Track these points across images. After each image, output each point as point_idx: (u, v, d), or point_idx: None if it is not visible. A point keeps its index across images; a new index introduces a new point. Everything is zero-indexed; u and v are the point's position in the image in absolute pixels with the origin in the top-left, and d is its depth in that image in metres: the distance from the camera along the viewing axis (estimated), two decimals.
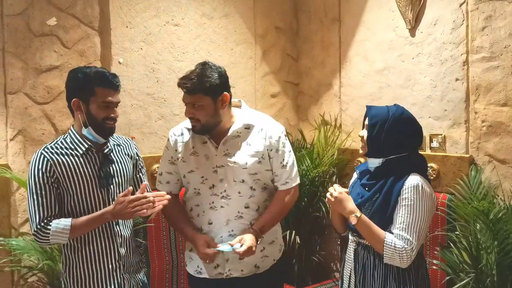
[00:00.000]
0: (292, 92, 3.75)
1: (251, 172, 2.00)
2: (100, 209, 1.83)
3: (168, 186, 2.12)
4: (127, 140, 2.04)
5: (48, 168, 1.77)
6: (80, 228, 1.78)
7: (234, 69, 3.37)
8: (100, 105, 1.78)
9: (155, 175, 2.99)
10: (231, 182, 1.99)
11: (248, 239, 1.93)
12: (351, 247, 1.96)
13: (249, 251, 1.91)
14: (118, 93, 1.86)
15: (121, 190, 1.91)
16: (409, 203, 1.78)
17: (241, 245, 1.91)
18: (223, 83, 1.95)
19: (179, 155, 2.05)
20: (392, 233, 1.79)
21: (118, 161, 1.92)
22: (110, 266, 1.86)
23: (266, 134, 2.03)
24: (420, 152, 2.49)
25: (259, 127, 2.04)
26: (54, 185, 1.79)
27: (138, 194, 1.78)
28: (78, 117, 1.81)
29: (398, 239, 1.76)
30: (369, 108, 1.93)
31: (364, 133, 1.91)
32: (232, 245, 1.92)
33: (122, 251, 1.90)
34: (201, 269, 2.08)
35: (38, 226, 1.74)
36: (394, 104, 1.94)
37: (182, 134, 2.08)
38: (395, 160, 1.86)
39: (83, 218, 1.79)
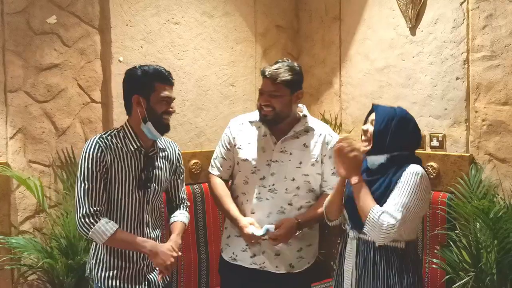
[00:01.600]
0: None
1: (304, 172, 2.12)
2: (133, 209, 1.88)
3: (220, 171, 2.24)
4: (172, 145, 2.09)
5: (102, 156, 1.82)
6: (118, 241, 1.83)
7: (235, 67, 3.38)
8: (160, 99, 1.86)
9: None
10: (281, 178, 2.11)
11: (286, 226, 2.03)
12: (352, 243, 1.96)
13: (283, 237, 2.02)
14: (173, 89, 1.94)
15: (155, 195, 1.96)
16: (404, 185, 1.79)
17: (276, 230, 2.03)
18: (301, 81, 2.11)
19: (237, 142, 2.18)
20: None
21: (160, 167, 1.97)
22: (135, 265, 1.90)
23: (324, 140, 2.16)
24: (420, 151, 2.52)
25: (318, 132, 2.18)
26: (104, 175, 1.83)
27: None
28: (137, 113, 1.87)
29: (384, 213, 1.76)
30: (375, 105, 1.95)
31: (369, 127, 1.91)
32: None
33: None
34: (236, 256, 2.17)
35: (87, 212, 1.78)
36: (398, 106, 1.97)
37: (242, 123, 2.21)
38: (398, 157, 1.88)
39: (127, 235, 1.85)
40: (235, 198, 2.21)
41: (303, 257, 2.18)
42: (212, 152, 2.41)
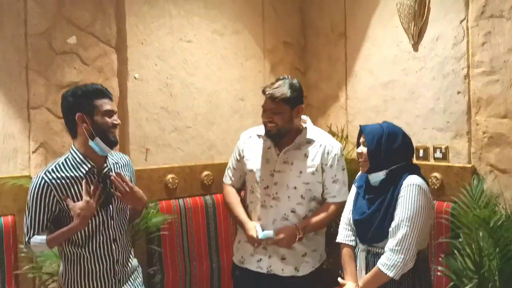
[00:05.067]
0: None
1: (304, 181, 2.25)
2: (98, 228, 1.90)
3: (232, 180, 2.47)
4: (124, 157, 2.11)
5: (48, 192, 1.84)
6: (54, 241, 1.85)
7: (244, 83, 3.48)
8: (102, 114, 1.88)
9: (169, 185, 3.10)
10: (284, 186, 2.25)
11: (285, 232, 2.19)
12: (361, 256, 2.06)
13: (285, 242, 2.17)
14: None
15: (119, 210, 1.98)
16: (405, 199, 1.91)
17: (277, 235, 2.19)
18: (300, 96, 2.25)
19: (245, 154, 2.38)
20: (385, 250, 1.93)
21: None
22: (106, 282, 1.93)
23: (324, 149, 2.29)
24: (424, 162, 2.63)
25: (319, 142, 2.31)
26: (52, 208, 1.85)
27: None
28: (82, 132, 1.88)
29: (390, 256, 1.88)
30: (363, 127, 2.08)
31: (363, 149, 2.04)
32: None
33: (118, 267, 1.96)
34: (244, 259, 2.34)
35: (25, 242, 1.88)
36: (384, 121, 2.11)
37: (250, 137, 2.41)
38: (397, 170, 1.99)
39: (55, 233, 1.84)
40: (246, 206, 2.38)
41: (308, 262, 2.30)
42: (223, 164, 2.55)
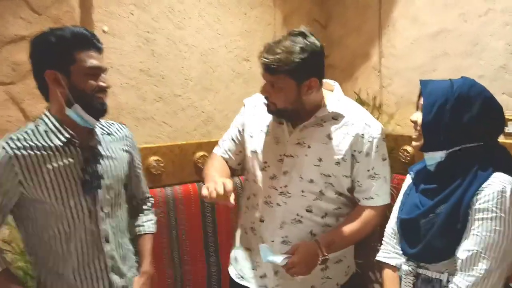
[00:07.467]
0: None
1: (324, 172, 1.70)
2: (82, 221, 1.50)
3: (226, 152, 1.93)
4: (120, 128, 1.76)
5: (9, 169, 1.45)
6: None
7: (249, 38, 2.94)
8: (85, 72, 1.48)
9: (152, 170, 2.57)
10: (295, 177, 1.71)
11: (303, 250, 1.61)
12: (407, 281, 1.52)
13: (302, 264, 1.60)
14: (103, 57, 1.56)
15: (111, 195, 1.58)
16: (490, 215, 1.33)
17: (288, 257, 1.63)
18: (315, 65, 1.63)
19: (247, 129, 1.88)
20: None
21: (108, 156, 1.62)
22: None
23: (357, 130, 1.71)
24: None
25: (350, 119, 1.72)
26: (11, 192, 1.45)
27: None
28: (56, 95, 1.49)
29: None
30: (424, 83, 1.51)
31: (418, 116, 1.50)
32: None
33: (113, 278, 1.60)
34: (244, 274, 1.86)
35: None
36: (461, 77, 1.52)
37: (255, 106, 1.89)
38: (464, 153, 1.43)
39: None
40: (246, 198, 1.89)
41: (330, 277, 1.78)
42: None
